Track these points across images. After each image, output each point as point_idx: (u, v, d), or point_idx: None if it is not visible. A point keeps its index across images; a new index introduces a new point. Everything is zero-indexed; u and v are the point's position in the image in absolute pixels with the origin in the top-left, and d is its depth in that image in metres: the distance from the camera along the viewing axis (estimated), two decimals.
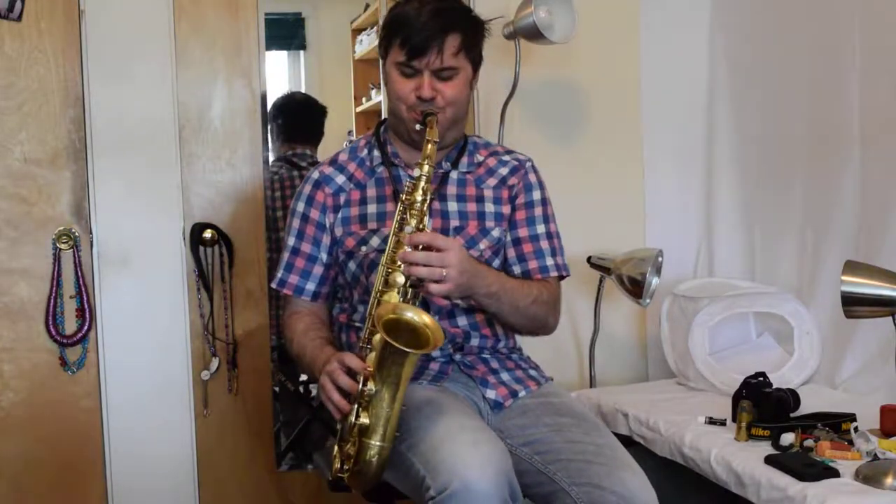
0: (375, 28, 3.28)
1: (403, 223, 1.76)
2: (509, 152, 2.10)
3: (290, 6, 3.49)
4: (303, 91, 3.54)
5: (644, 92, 2.92)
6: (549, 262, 2.01)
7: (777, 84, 2.71)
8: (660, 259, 2.60)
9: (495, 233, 1.99)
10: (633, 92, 2.92)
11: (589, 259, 2.70)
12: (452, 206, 1.98)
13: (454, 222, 1.97)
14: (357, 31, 3.49)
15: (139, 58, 2.53)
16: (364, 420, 1.65)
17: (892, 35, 2.33)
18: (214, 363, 2.61)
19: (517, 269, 2.00)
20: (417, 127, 1.87)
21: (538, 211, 2.03)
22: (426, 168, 1.78)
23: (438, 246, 1.72)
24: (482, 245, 1.97)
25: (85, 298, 2.51)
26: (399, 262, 1.72)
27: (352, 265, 1.96)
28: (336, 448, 1.75)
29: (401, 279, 1.73)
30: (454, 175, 2.01)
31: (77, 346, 2.52)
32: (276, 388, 2.71)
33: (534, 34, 2.52)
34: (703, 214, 2.95)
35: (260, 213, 2.63)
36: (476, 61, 1.95)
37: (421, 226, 1.76)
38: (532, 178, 2.05)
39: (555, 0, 2.54)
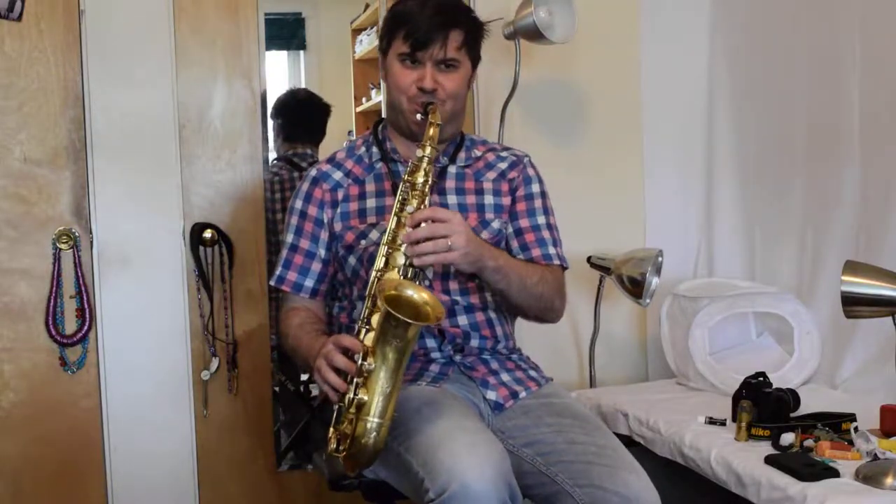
0: (375, 28, 3.28)
1: (405, 204, 1.77)
2: (507, 149, 2.12)
3: (290, 6, 3.49)
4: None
5: (644, 92, 2.91)
6: (552, 250, 2.02)
7: (777, 84, 2.71)
8: (660, 259, 2.60)
9: (495, 224, 1.99)
10: (634, 92, 2.91)
11: (589, 259, 2.70)
12: (451, 199, 1.99)
13: None
14: (357, 31, 3.49)
15: (139, 58, 2.53)
16: (362, 396, 1.62)
17: (892, 36, 2.33)
18: (214, 363, 2.60)
19: (521, 257, 2.00)
20: (418, 117, 1.89)
21: (538, 203, 2.04)
22: (428, 149, 1.79)
23: (440, 217, 1.73)
24: (483, 236, 1.95)
25: (85, 298, 2.51)
26: (400, 243, 1.73)
27: (351, 259, 1.95)
28: (332, 429, 1.70)
29: (401, 259, 1.73)
30: (452, 169, 2.02)
31: (77, 346, 2.51)
32: (276, 388, 2.71)
33: (534, 34, 2.52)
34: (703, 214, 2.95)
35: (260, 213, 2.63)
36: (475, 60, 1.99)
37: (423, 206, 1.77)
38: (531, 171, 2.07)
39: (555, 0, 2.54)
